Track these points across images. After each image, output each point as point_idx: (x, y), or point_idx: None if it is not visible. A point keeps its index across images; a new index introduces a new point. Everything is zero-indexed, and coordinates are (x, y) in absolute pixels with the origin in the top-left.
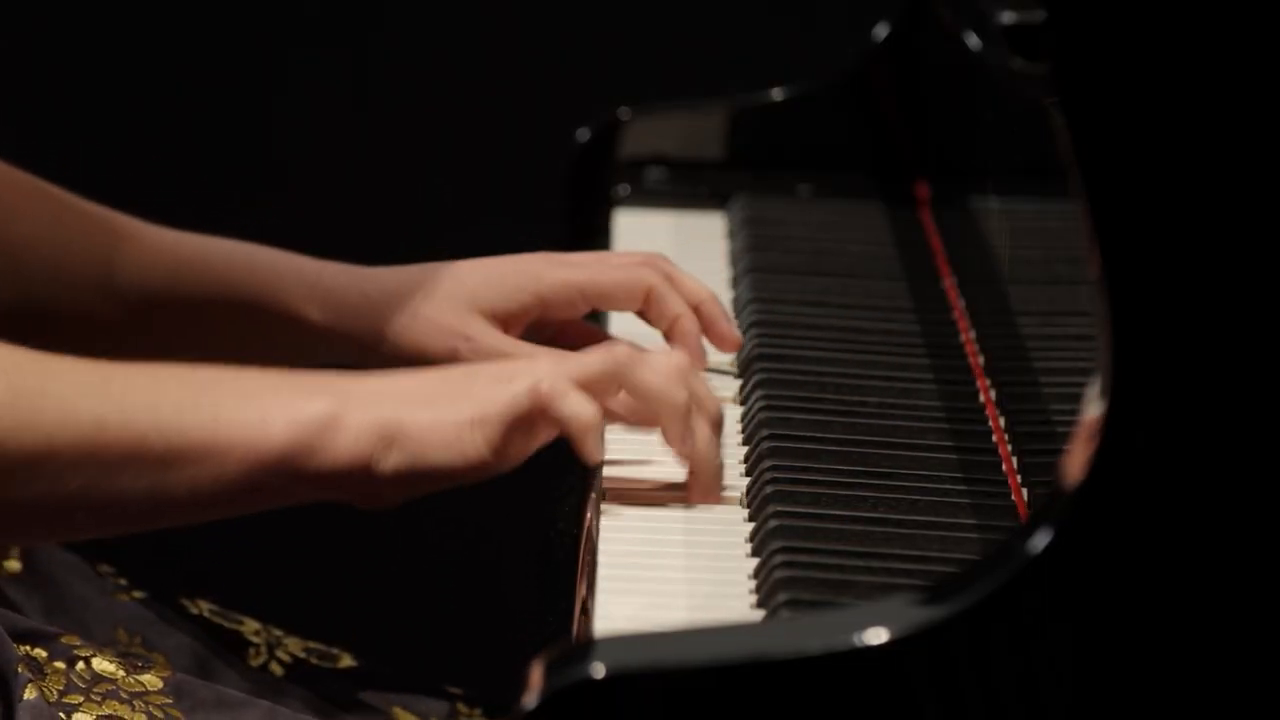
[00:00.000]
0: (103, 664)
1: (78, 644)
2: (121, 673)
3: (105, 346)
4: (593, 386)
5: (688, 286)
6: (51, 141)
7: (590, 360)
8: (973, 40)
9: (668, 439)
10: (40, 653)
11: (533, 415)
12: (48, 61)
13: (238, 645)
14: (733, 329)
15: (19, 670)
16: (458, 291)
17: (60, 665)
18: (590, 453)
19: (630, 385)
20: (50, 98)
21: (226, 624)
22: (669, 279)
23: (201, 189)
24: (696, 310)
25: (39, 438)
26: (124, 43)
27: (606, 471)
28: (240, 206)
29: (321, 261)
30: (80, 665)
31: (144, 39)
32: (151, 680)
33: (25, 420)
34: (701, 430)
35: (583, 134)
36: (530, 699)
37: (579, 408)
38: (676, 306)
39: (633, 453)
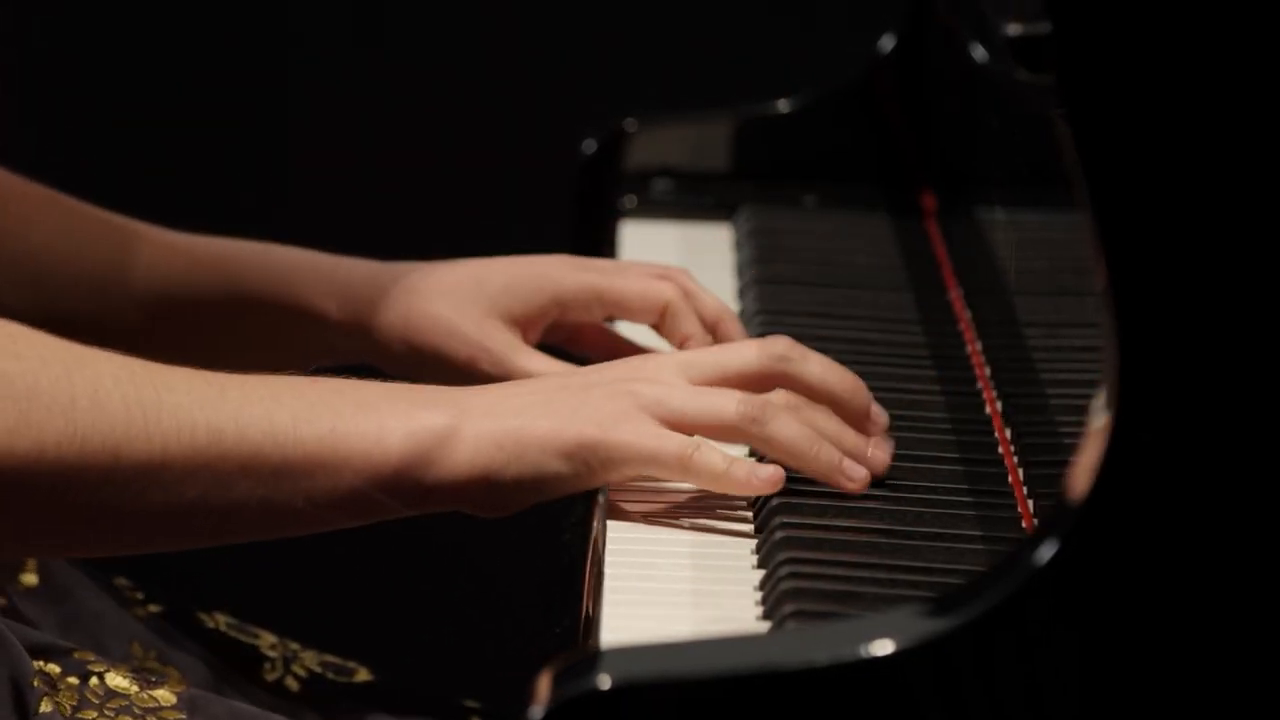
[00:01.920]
0: (116, 679)
1: (91, 659)
2: (135, 688)
3: (123, 351)
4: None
5: (706, 303)
6: (57, 148)
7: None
8: (978, 51)
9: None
10: (54, 668)
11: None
12: (53, 68)
13: (253, 661)
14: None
15: (34, 684)
16: (477, 296)
17: (74, 680)
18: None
19: (763, 436)
20: (55, 104)
21: (243, 638)
22: (687, 294)
23: (206, 202)
24: (715, 327)
25: (154, 449)
26: (130, 46)
27: (613, 485)
28: (244, 220)
29: (338, 257)
30: (94, 681)
31: (149, 42)
32: (165, 696)
33: (140, 431)
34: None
35: (589, 145)
36: (537, 710)
37: (716, 461)
38: (689, 326)
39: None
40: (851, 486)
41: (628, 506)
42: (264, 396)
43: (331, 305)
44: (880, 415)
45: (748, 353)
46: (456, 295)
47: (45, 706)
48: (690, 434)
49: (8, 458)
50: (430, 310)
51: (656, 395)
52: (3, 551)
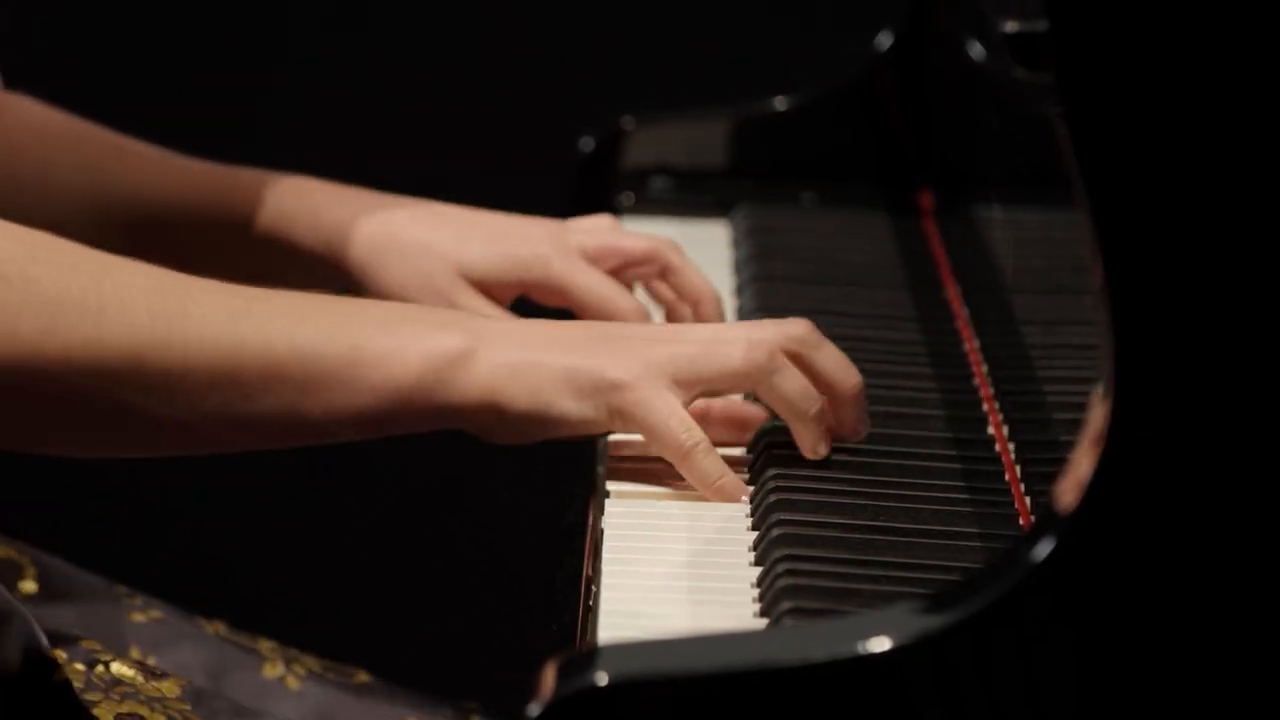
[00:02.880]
0: (121, 669)
1: (98, 648)
2: (140, 678)
3: None
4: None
5: (689, 280)
6: None
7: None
8: (976, 49)
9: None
10: (60, 653)
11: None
12: (52, 67)
13: (253, 661)
14: None
15: (50, 655)
16: (453, 254)
17: (80, 667)
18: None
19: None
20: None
21: (243, 641)
22: (671, 270)
23: None
24: (695, 308)
25: (175, 357)
26: (128, 45)
27: (611, 481)
28: None
29: (333, 190)
30: (100, 668)
31: (145, 41)
32: (169, 687)
33: (163, 340)
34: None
35: (586, 143)
36: (534, 707)
37: (710, 468)
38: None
39: (638, 449)
40: (815, 456)
41: (625, 495)
42: (288, 312)
43: (318, 246)
44: (864, 427)
45: (766, 331)
46: (434, 252)
47: (59, 676)
48: (705, 390)
49: (36, 359)
50: (410, 262)
51: (671, 354)
52: (23, 444)
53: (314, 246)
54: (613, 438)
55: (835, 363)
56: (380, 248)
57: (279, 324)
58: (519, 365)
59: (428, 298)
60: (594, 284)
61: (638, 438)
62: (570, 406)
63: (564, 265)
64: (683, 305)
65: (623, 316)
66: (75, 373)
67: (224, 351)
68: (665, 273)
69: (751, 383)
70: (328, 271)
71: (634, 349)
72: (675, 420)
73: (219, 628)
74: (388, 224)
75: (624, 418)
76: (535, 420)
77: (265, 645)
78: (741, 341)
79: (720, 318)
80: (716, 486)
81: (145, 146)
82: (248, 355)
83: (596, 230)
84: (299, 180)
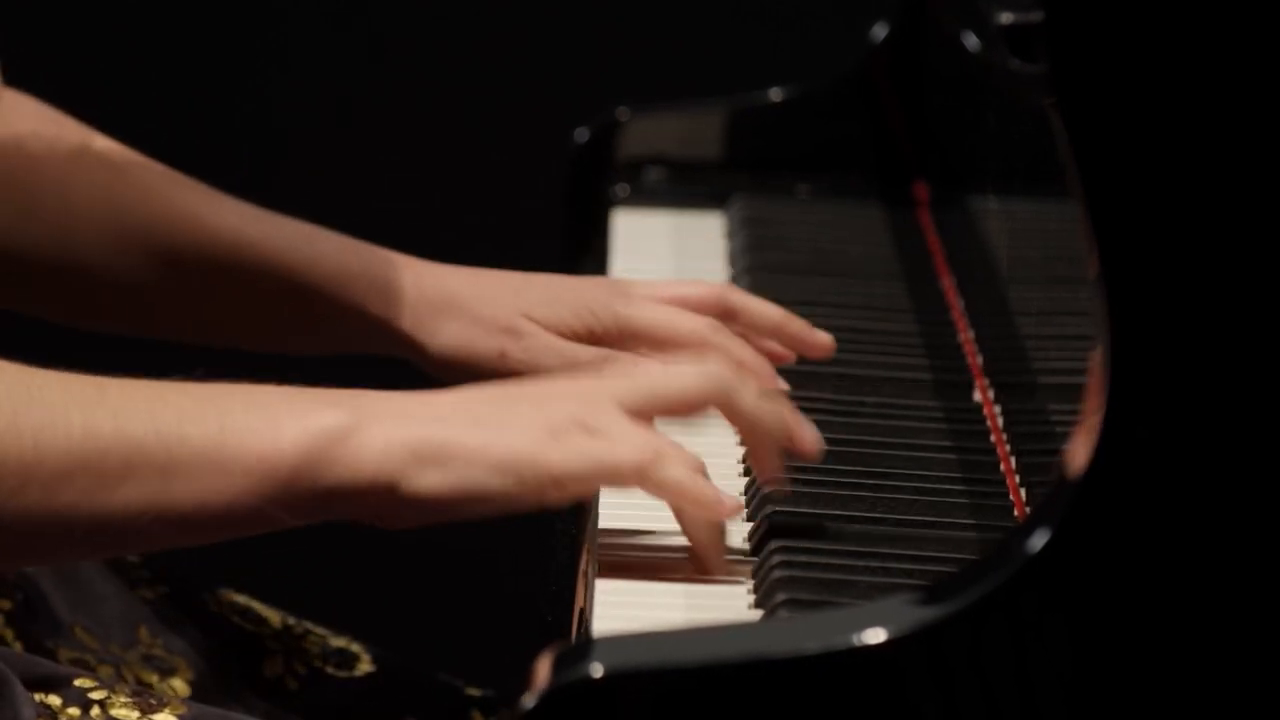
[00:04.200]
0: (118, 709)
1: (92, 685)
2: (137, 714)
3: (163, 319)
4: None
5: (760, 313)
6: None
7: (682, 383)
8: (971, 41)
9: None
10: (54, 700)
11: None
12: (49, 67)
13: (256, 653)
14: (821, 335)
15: None
16: (514, 301)
17: (75, 712)
18: (714, 502)
19: (732, 412)
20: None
21: (247, 625)
22: (738, 311)
23: None
24: (778, 332)
25: (25, 445)
26: (119, 39)
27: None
28: None
29: (388, 252)
30: (95, 710)
31: (142, 39)
32: (166, 719)
33: (9, 426)
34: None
35: (581, 134)
36: (529, 698)
37: (680, 475)
38: (734, 352)
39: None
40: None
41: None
42: (147, 396)
43: (374, 303)
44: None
45: (687, 379)
46: (494, 299)
47: None
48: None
49: None
50: (469, 313)
51: (580, 413)
52: None
53: (365, 302)
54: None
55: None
56: (438, 304)
57: (137, 408)
58: (420, 441)
59: (490, 339)
60: (659, 315)
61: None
62: (490, 481)
63: (627, 305)
64: (763, 341)
65: (693, 339)
66: None
67: (78, 436)
68: (729, 315)
69: (715, 403)
70: (367, 331)
71: (545, 410)
72: (610, 452)
73: (226, 604)
74: (442, 278)
75: (554, 483)
76: (443, 500)
77: (269, 628)
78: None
79: (804, 327)
80: (693, 494)
81: (175, 175)
82: (105, 440)
83: (654, 282)
84: (348, 238)
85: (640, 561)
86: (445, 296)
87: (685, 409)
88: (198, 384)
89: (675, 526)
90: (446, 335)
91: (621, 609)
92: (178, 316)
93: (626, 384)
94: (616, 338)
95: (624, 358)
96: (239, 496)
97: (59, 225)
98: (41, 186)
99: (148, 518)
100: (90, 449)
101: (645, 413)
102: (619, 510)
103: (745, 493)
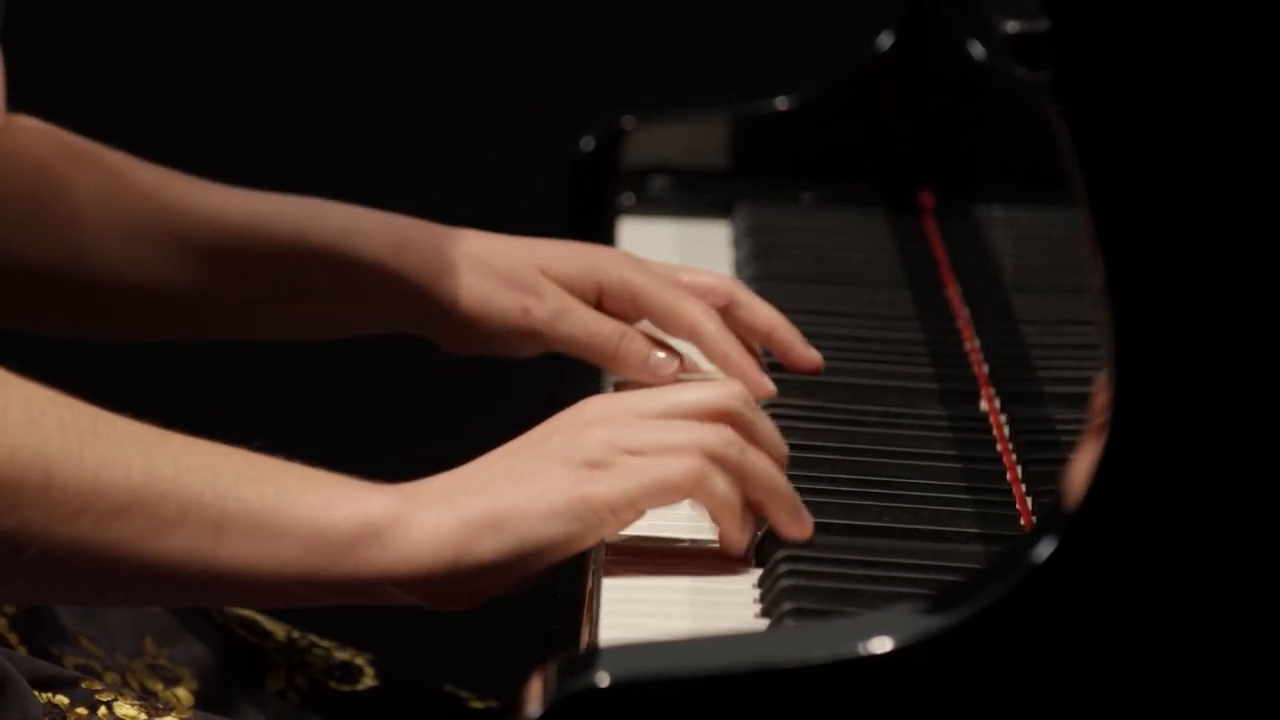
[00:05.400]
0: (124, 709)
1: (99, 688)
2: (143, 716)
3: (171, 317)
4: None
5: (756, 312)
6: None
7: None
8: (976, 49)
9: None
10: (62, 699)
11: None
12: (47, 67)
13: (259, 666)
14: (811, 352)
15: None
16: (529, 256)
17: (82, 711)
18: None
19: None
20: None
21: (251, 638)
22: (737, 307)
23: None
24: (769, 336)
25: (86, 474)
26: (118, 39)
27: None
28: None
29: (392, 214)
30: (102, 710)
31: (134, 35)
32: None
33: (75, 453)
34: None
35: (586, 143)
36: (535, 708)
37: (726, 490)
38: (722, 347)
39: None
40: (798, 534)
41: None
42: (207, 452)
43: (388, 256)
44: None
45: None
46: (511, 257)
47: None
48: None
49: None
50: (487, 267)
51: (612, 438)
52: None
53: (382, 261)
54: None
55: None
56: (456, 259)
57: (195, 460)
58: (470, 514)
59: (513, 297)
60: (665, 293)
61: None
62: (549, 529)
63: (635, 271)
64: (754, 339)
65: (689, 321)
66: None
67: (138, 477)
68: (732, 307)
69: (703, 487)
70: (386, 296)
71: (578, 446)
72: (662, 467)
73: (230, 615)
74: (457, 236)
75: (611, 511)
76: (508, 563)
77: (273, 641)
78: (689, 446)
79: (797, 339)
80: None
81: (168, 171)
82: (164, 485)
83: (668, 264)
84: (353, 208)
85: (646, 556)
86: (461, 251)
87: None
88: (255, 453)
89: (678, 521)
90: (468, 291)
91: (627, 618)
92: (188, 311)
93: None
94: (625, 302)
95: (638, 336)
96: (285, 565)
97: (66, 232)
98: (47, 193)
99: (192, 569)
100: (148, 492)
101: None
102: None
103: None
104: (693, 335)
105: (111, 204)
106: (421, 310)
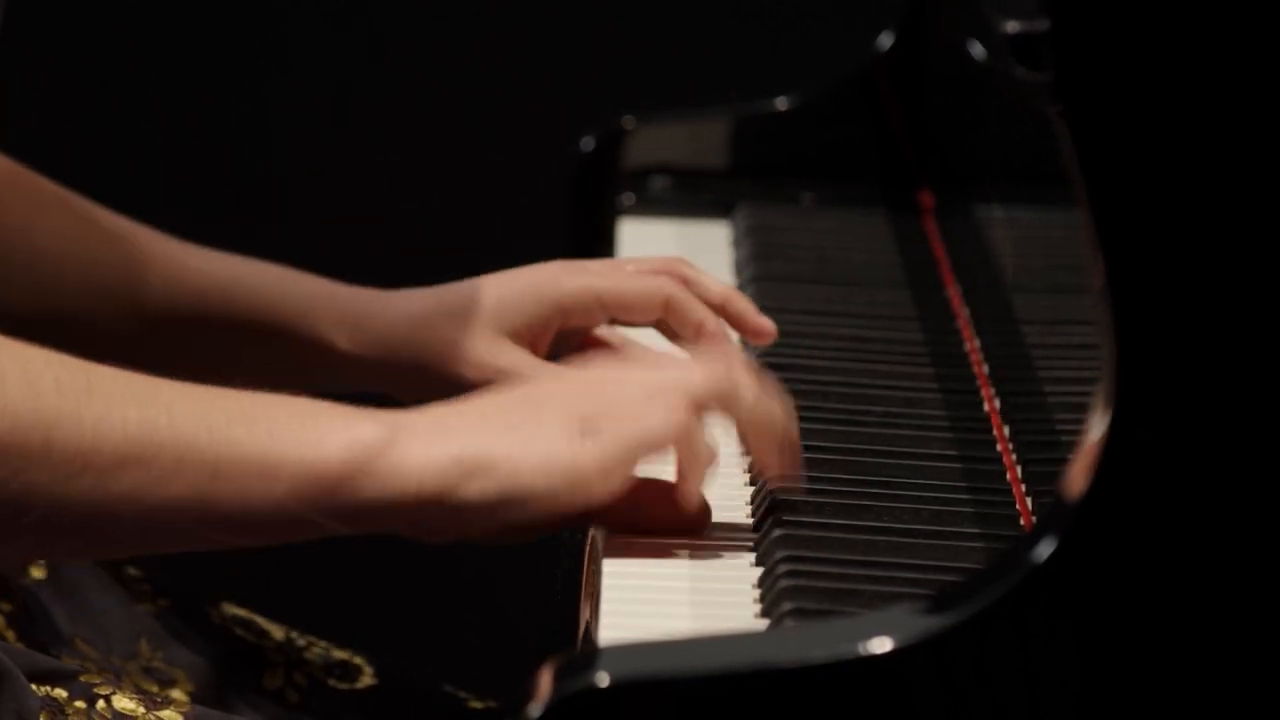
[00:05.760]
0: (123, 702)
1: (98, 681)
2: (142, 710)
3: (126, 361)
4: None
5: (708, 286)
6: (44, 149)
7: (702, 382)
8: (976, 49)
9: (762, 462)
10: (60, 693)
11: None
12: (46, 65)
13: (257, 665)
14: (764, 320)
15: (41, 718)
16: (483, 314)
17: (81, 705)
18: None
19: (735, 410)
20: (50, 103)
21: (249, 637)
22: (688, 283)
23: (198, 207)
24: (723, 308)
25: (85, 432)
26: (118, 39)
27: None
28: (237, 219)
29: (350, 287)
30: (101, 704)
31: (134, 35)
32: (170, 716)
33: (72, 412)
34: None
35: (587, 143)
36: (535, 708)
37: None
38: (698, 313)
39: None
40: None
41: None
42: (197, 397)
43: (342, 338)
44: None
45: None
46: (464, 320)
47: None
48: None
49: None
50: (439, 338)
51: (607, 395)
52: None
53: (335, 342)
54: None
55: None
56: (413, 337)
57: (188, 406)
58: (462, 453)
59: (470, 371)
60: (625, 279)
61: None
62: (537, 483)
63: (588, 276)
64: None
65: (663, 297)
66: None
67: (134, 429)
68: (683, 284)
69: (721, 403)
70: (340, 372)
71: (574, 407)
72: (647, 430)
73: (227, 615)
74: (411, 311)
75: (601, 475)
76: (491, 507)
77: (271, 640)
78: (677, 402)
79: (750, 309)
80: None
81: (132, 224)
82: (160, 435)
83: (601, 261)
84: (309, 275)
85: (647, 540)
86: (410, 322)
87: (715, 404)
88: (243, 391)
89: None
90: (422, 362)
91: (627, 618)
92: (151, 365)
93: (659, 376)
94: (591, 312)
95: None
96: (282, 501)
97: (29, 274)
98: (10, 233)
99: (193, 515)
100: (145, 443)
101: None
102: None
103: (753, 501)
104: (669, 306)
105: (73, 249)
106: (377, 386)
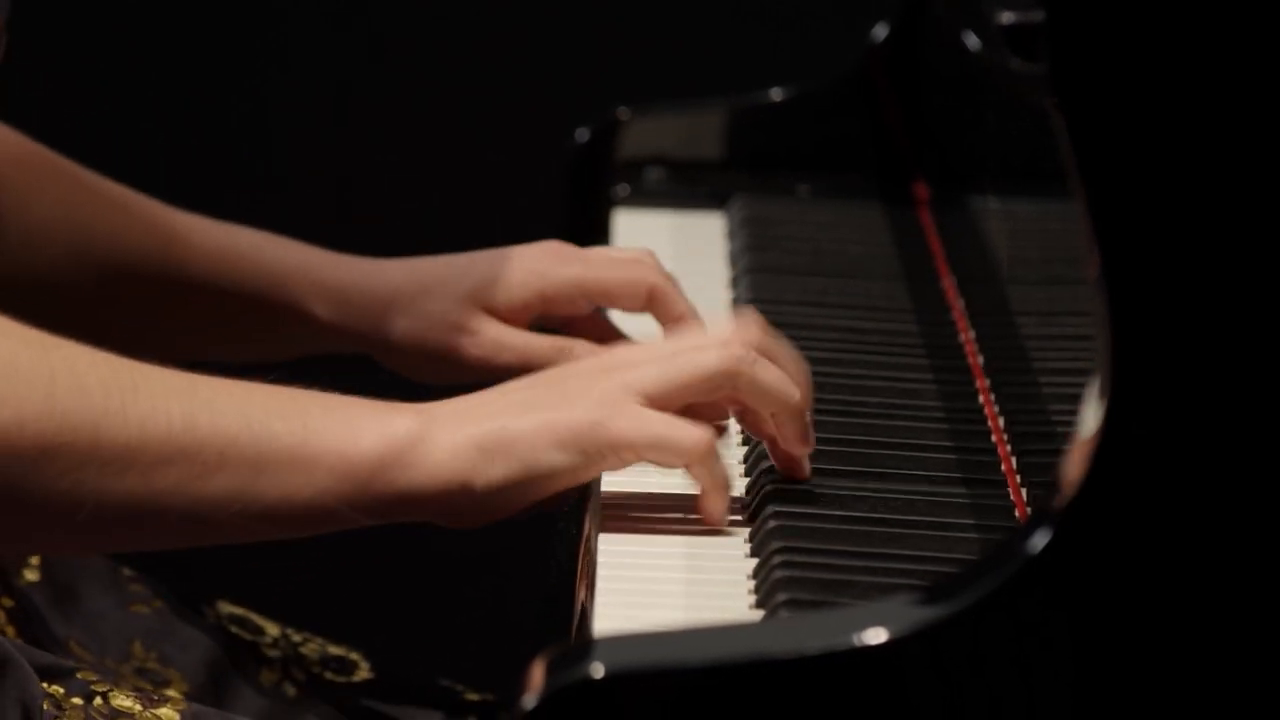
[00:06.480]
0: (120, 699)
1: (94, 679)
2: (139, 707)
3: (107, 329)
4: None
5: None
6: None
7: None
8: (972, 40)
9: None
10: (58, 689)
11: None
12: (45, 65)
13: (252, 663)
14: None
15: (44, 707)
16: (461, 288)
17: (78, 701)
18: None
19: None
20: (40, 92)
21: (245, 634)
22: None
23: (195, 192)
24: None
25: (131, 431)
26: (118, 39)
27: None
28: (237, 218)
29: (331, 254)
30: (98, 701)
31: (133, 35)
32: (168, 713)
33: (118, 411)
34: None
35: (582, 134)
36: (529, 699)
37: (723, 472)
38: (682, 304)
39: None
40: (800, 452)
41: (620, 500)
42: (234, 392)
43: (321, 307)
44: (810, 441)
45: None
46: (441, 291)
47: None
48: (678, 401)
49: None
50: (416, 308)
51: (636, 376)
52: None
53: (314, 307)
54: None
55: (778, 377)
56: (385, 300)
57: (227, 402)
58: (482, 437)
59: (442, 334)
60: (609, 268)
61: None
62: (554, 459)
63: (574, 265)
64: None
65: (648, 286)
66: (30, 445)
67: (178, 426)
68: (669, 277)
69: (731, 381)
70: (322, 334)
71: (595, 384)
72: (672, 429)
73: (222, 613)
74: (387, 274)
75: (614, 450)
76: (516, 486)
77: (267, 637)
78: (714, 344)
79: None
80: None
81: (127, 191)
82: (202, 431)
83: (581, 250)
84: (291, 242)
85: (642, 515)
86: (390, 292)
87: (707, 390)
88: (275, 386)
89: (673, 480)
90: (398, 332)
91: (622, 609)
92: (133, 330)
93: (653, 371)
94: (575, 302)
95: (579, 345)
96: (320, 494)
97: (20, 240)
98: (4, 205)
99: (235, 508)
100: (188, 440)
101: (671, 400)
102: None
103: (748, 492)
104: (653, 296)
105: (67, 219)
106: (358, 346)
